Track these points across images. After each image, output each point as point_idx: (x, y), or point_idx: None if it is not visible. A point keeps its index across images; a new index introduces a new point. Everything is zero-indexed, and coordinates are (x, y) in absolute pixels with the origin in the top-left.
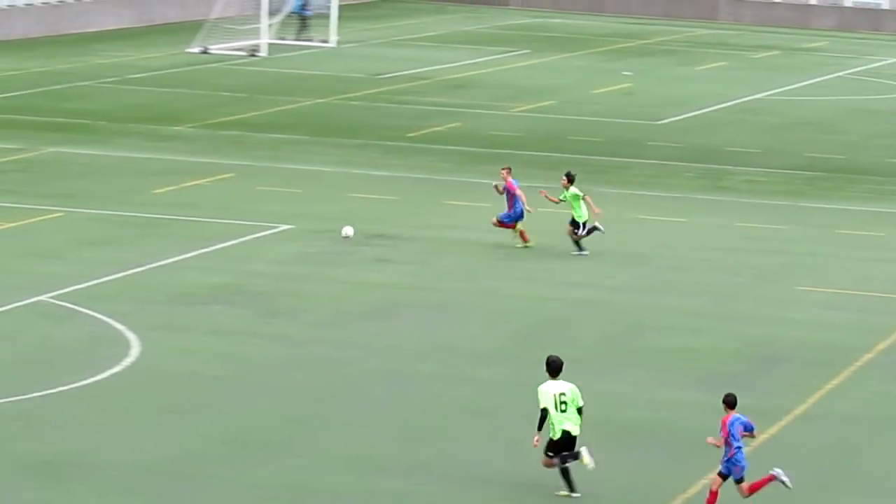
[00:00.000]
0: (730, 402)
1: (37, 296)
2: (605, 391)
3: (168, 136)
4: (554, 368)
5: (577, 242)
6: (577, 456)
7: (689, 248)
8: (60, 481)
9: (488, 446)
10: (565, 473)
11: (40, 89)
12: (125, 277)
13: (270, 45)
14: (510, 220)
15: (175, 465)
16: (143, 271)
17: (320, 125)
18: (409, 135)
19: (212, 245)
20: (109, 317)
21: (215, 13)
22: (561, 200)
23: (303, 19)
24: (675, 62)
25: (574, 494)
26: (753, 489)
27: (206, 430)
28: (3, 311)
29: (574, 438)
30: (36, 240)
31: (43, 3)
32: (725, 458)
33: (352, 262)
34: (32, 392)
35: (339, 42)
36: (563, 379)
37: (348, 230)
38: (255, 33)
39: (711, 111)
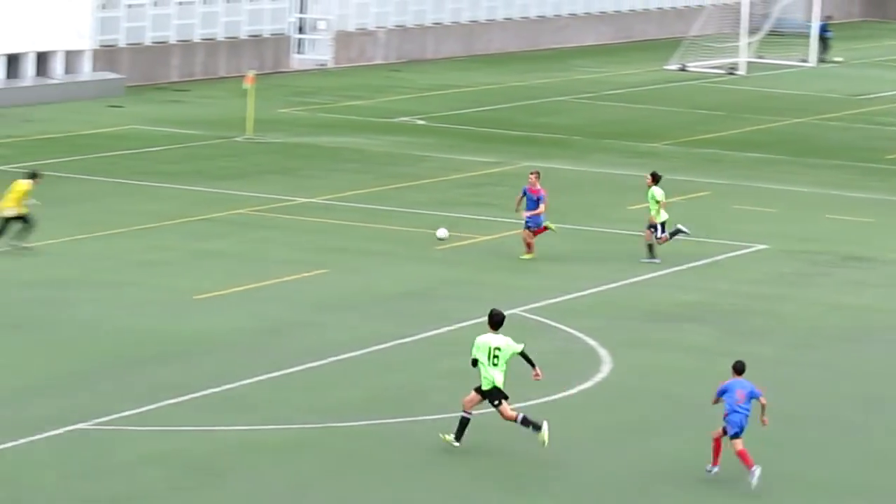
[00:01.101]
0: (737, 369)
1: (510, 309)
2: None
3: (643, 152)
4: (495, 322)
5: (650, 248)
6: (538, 427)
7: None
8: (526, 494)
9: None
10: (465, 421)
11: (517, 103)
12: (598, 293)
13: (749, 63)
14: (537, 226)
15: (641, 485)
16: (615, 287)
17: (797, 145)
18: (889, 157)
19: (685, 263)
20: (581, 332)
21: (694, 31)
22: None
23: (824, 41)
24: None
25: (455, 444)
26: (742, 454)
27: (671, 449)
28: (478, 325)
29: (499, 388)
30: (510, 253)
31: (522, 18)
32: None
33: (826, 284)
34: None
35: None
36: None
37: (443, 232)
38: (734, 51)
39: None
